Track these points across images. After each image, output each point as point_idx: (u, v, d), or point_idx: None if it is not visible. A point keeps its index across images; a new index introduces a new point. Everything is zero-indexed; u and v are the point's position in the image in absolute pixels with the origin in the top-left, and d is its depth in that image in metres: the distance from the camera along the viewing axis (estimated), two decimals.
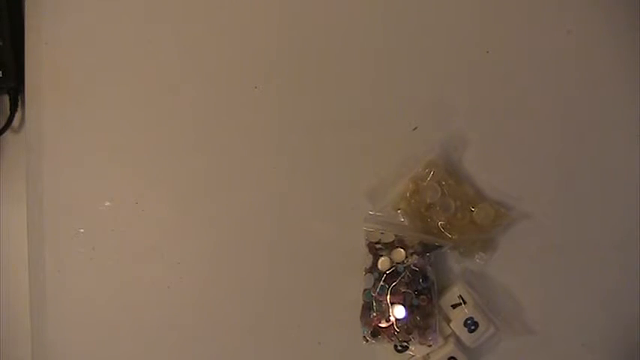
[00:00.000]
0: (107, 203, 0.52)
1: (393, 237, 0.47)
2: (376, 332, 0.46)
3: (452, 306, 0.47)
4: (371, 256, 0.47)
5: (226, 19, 0.52)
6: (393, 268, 0.46)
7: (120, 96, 0.53)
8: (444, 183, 0.47)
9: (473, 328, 0.46)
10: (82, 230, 0.53)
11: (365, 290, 0.47)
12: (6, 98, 0.56)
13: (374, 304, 0.46)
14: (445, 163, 0.48)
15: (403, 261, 0.46)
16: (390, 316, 0.46)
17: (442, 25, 0.49)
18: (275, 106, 0.51)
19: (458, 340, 0.47)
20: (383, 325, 0.46)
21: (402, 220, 0.48)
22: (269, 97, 0.51)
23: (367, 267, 0.47)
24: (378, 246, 0.47)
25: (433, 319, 0.46)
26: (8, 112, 0.56)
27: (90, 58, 0.53)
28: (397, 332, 0.46)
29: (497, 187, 0.48)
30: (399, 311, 0.46)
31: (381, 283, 0.46)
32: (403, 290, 0.46)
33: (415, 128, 0.49)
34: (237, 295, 0.51)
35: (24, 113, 0.55)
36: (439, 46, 0.49)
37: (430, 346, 0.46)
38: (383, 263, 0.46)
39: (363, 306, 0.47)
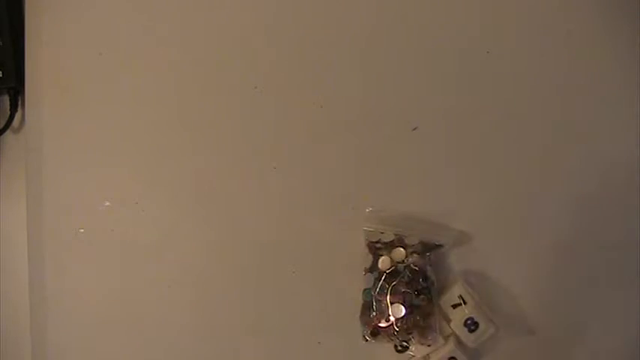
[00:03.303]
0: (107, 203, 0.52)
1: (393, 236, 0.47)
2: (376, 332, 0.46)
3: (452, 306, 0.47)
4: (371, 255, 0.47)
5: (226, 19, 0.52)
6: (393, 268, 0.46)
7: (120, 96, 0.53)
8: None
9: (473, 328, 0.46)
10: (82, 230, 0.53)
11: (365, 290, 0.47)
12: (6, 98, 0.56)
13: (374, 303, 0.46)
14: None
15: (403, 260, 0.46)
16: (389, 315, 0.46)
17: (442, 26, 0.49)
18: (275, 106, 0.51)
19: (458, 340, 0.47)
20: (383, 324, 0.46)
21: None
22: (269, 97, 0.51)
23: (367, 266, 0.47)
24: (378, 245, 0.47)
25: (433, 318, 0.46)
26: (8, 112, 0.56)
27: (90, 58, 0.53)
28: (397, 332, 0.46)
29: (497, 186, 0.48)
30: (398, 311, 0.46)
31: (381, 282, 0.46)
32: (403, 290, 0.46)
33: (415, 128, 0.49)
34: (237, 294, 0.51)
35: (24, 113, 0.55)
36: (439, 46, 0.49)
37: (430, 345, 0.46)
38: (383, 262, 0.46)
39: (363, 305, 0.47)
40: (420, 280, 0.46)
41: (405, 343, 0.47)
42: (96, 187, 0.53)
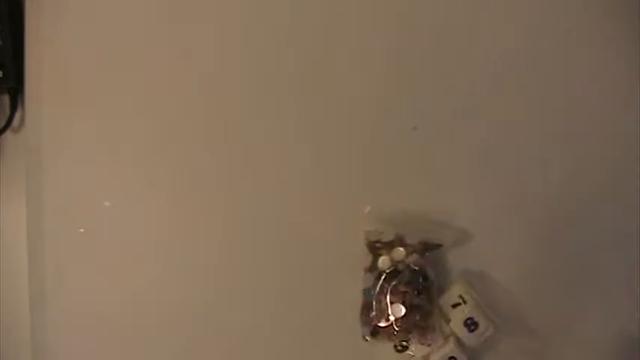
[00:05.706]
0: (107, 203, 0.52)
1: (393, 236, 0.47)
2: (376, 331, 0.46)
3: (452, 306, 0.47)
4: (370, 255, 0.47)
5: (227, 20, 0.52)
6: (393, 267, 0.46)
7: (120, 96, 0.53)
8: None
9: (473, 328, 0.46)
10: (82, 230, 0.53)
11: (364, 289, 0.47)
12: (6, 98, 0.56)
13: (373, 303, 0.46)
14: None
15: (403, 260, 0.46)
16: (389, 315, 0.46)
17: (442, 26, 0.49)
18: (275, 106, 0.51)
19: (458, 340, 0.47)
20: (382, 324, 0.46)
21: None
22: (270, 97, 0.51)
23: (367, 266, 0.47)
24: (378, 245, 0.47)
25: (433, 318, 0.46)
26: (8, 112, 0.56)
27: (90, 58, 0.53)
28: (397, 332, 0.46)
29: (497, 186, 0.48)
30: (398, 310, 0.46)
31: (381, 282, 0.46)
32: (403, 289, 0.46)
33: (415, 128, 0.49)
34: (237, 295, 0.51)
35: (24, 113, 0.55)
36: (439, 46, 0.49)
37: (430, 345, 0.46)
38: (383, 262, 0.46)
39: (362, 305, 0.47)
40: (420, 279, 0.46)
41: (404, 343, 0.47)
42: (96, 187, 0.53)
